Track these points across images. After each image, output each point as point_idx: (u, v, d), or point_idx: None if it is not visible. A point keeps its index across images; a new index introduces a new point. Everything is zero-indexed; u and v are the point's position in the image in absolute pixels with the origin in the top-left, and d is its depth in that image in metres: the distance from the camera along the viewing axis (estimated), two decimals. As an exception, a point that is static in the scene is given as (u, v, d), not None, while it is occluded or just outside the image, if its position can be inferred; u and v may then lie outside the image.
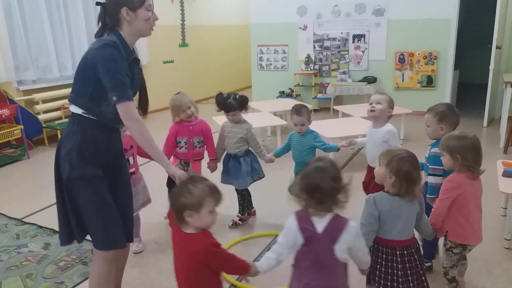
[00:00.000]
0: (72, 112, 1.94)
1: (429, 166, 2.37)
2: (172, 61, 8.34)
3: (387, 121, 2.80)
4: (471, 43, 9.44)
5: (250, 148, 3.22)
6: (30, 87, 5.65)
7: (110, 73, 1.82)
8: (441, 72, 6.90)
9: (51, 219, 3.50)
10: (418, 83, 7.07)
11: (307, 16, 7.59)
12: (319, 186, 1.58)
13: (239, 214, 3.36)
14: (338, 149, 3.12)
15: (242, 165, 3.17)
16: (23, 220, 3.53)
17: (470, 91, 8.54)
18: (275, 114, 5.71)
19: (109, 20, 1.93)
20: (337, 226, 1.61)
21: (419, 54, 6.94)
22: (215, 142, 3.29)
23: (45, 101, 5.82)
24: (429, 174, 2.36)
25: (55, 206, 3.76)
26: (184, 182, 1.72)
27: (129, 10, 1.89)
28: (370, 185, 2.65)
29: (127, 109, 1.86)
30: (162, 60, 8.10)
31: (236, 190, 3.31)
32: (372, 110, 2.77)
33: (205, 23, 9.03)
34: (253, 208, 3.45)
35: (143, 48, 7.37)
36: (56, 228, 3.30)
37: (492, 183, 2.87)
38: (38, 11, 5.59)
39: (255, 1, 7.93)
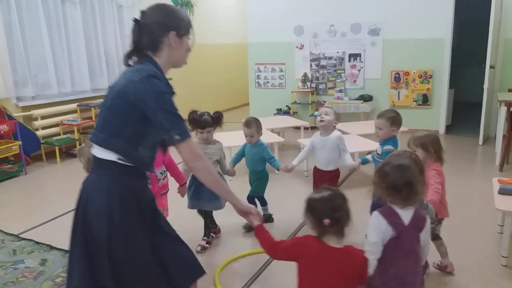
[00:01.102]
0: (101, 159, 1.64)
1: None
2: (170, 79, 8.37)
3: (333, 129, 3.27)
4: (465, 63, 9.58)
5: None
6: (29, 103, 5.68)
7: (164, 109, 1.57)
8: (436, 90, 6.99)
9: (48, 235, 3.50)
10: (414, 101, 7.15)
11: (303, 35, 7.71)
12: (409, 182, 1.68)
13: (206, 238, 3.21)
14: (278, 170, 3.38)
15: None
16: (20, 236, 3.51)
17: (465, 109, 8.63)
18: (272, 131, 5.75)
19: (146, 44, 1.68)
20: (421, 215, 1.76)
21: (414, 73, 7.04)
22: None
23: (43, 117, 5.85)
24: None
25: (51, 222, 3.76)
26: (334, 195, 1.66)
27: (176, 35, 1.68)
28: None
29: (191, 148, 1.63)
30: (160, 78, 8.16)
31: (203, 213, 3.21)
32: (321, 121, 3.19)
33: (204, 42, 9.13)
34: (217, 225, 3.38)
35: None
36: (53, 244, 3.33)
37: (488, 201, 2.90)
38: (38, 27, 5.65)
39: (253, 20, 8.05)
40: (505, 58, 6.51)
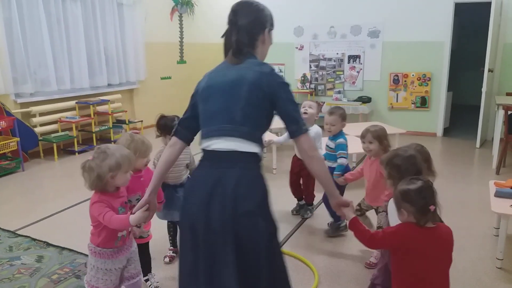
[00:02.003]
0: (245, 152, 1.58)
1: (339, 152, 3.17)
2: (169, 77, 8.41)
3: (313, 123, 3.40)
4: (464, 66, 9.61)
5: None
6: (28, 100, 5.67)
7: (292, 100, 1.63)
8: (435, 93, 7.01)
9: (44, 232, 3.50)
10: (412, 103, 7.16)
11: (303, 36, 7.72)
12: (418, 171, 1.90)
13: (173, 247, 3.08)
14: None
15: None
16: (16, 232, 3.51)
17: (463, 112, 8.66)
18: (271, 130, 5.75)
19: (246, 42, 1.72)
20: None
21: (413, 75, 7.06)
22: None
23: (42, 114, 5.84)
24: (341, 157, 3.15)
25: (48, 219, 3.76)
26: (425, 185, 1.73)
27: (268, 31, 1.76)
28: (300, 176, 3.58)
29: (310, 139, 1.67)
30: (160, 76, 8.17)
31: (171, 223, 3.05)
32: (305, 113, 3.30)
33: (203, 41, 9.14)
34: None
35: (141, 64, 7.45)
36: (50, 241, 3.32)
37: (484, 203, 2.91)
38: (38, 24, 5.65)
39: (253, 20, 8.05)
40: (504, 62, 6.53)
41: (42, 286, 2.70)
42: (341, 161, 3.14)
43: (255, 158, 1.63)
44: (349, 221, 1.80)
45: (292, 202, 3.84)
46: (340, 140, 3.21)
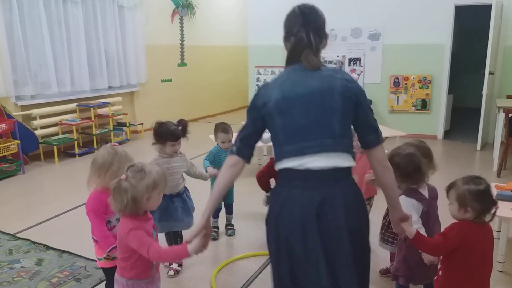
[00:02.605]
0: (345, 168, 1.55)
1: None
2: (170, 80, 8.42)
3: None
4: (464, 69, 9.61)
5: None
6: (28, 103, 5.68)
7: (371, 109, 1.59)
8: (436, 96, 7.00)
9: (44, 234, 3.50)
10: (413, 106, 7.16)
11: (304, 38, 7.71)
12: (418, 167, 2.11)
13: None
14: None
15: (188, 202, 2.88)
16: (16, 235, 3.50)
17: (464, 115, 8.65)
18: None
19: (318, 46, 1.63)
20: (432, 187, 2.27)
21: (413, 78, 7.05)
22: None
23: (42, 116, 5.84)
24: None
25: (48, 222, 3.74)
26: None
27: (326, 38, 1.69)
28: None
29: (383, 149, 1.63)
30: (160, 79, 8.18)
31: (172, 235, 2.90)
32: None
33: (204, 44, 9.15)
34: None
35: (142, 66, 7.46)
36: (50, 244, 3.32)
37: (485, 206, 2.89)
38: (39, 27, 5.66)
39: (253, 23, 8.07)
40: (504, 65, 6.53)
41: (41, 289, 2.69)
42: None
43: (350, 172, 1.59)
44: (412, 236, 1.81)
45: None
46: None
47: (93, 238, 2.13)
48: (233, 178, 1.67)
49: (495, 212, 1.85)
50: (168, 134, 2.70)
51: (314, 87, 1.52)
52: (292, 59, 1.60)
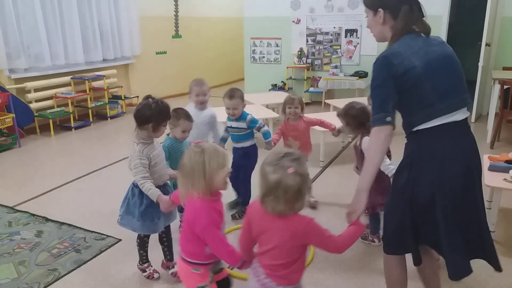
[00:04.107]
0: (467, 120, 1.76)
1: (258, 124, 3.22)
2: (165, 52, 8.32)
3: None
4: (461, 40, 9.52)
5: None
6: (22, 76, 5.62)
7: None
8: (432, 68, 6.97)
9: (42, 207, 3.54)
10: (409, 78, 7.14)
11: (300, 10, 7.61)
12: (369, 118, 2.43)
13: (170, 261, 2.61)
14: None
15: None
16: (15, 208, 3.54)
17: (460, 87, 8.63)
18: (267, 106, 5.75)
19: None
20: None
21: (410, 50, 7.00)
22: None
23: (37, 89, 5.80)
24: (263, 126, 3.25)
25: (46, 195, 3.76)
26: None
27: None
28: None
29: None
30: (155, 51, 8.08)
31: (163, 234, 2.53)
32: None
33: (199, 15, 9.01)
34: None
35: (136, 38, 7.36)
36: (49, 216, 3.36)
37: (477, 177, 2.93)
38: (30, 0, 5.54)
39: (249, -7, 7.93)
40: (502, 36, 6.49)
41: (42, 260, 2.75)
42: (265, 128, 3.27)
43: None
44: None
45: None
46: (249, 117, 3.22)
47: (192, 262, 1.78)
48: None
49: None
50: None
51: (443, 53, 1.73)
52: (404, 28, 1.75)
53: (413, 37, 1.74)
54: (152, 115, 2.23)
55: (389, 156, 2.66)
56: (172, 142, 2.79)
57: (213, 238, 1.67)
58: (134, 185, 2.34)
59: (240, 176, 3.28)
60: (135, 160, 2.25)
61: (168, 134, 2.83)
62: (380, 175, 2.05)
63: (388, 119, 1.69)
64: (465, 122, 1.74)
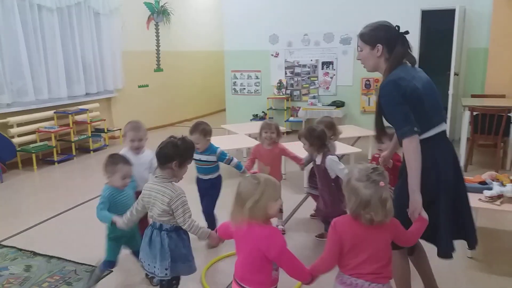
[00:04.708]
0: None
1: (227, 157, 3.35)
2: (147, 85, 8.45)
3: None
4: (431, 70, 9.92)
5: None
6: (5, 111, 5.62)
7: None
8: (405, 96, 7.27)
9: (29, 242, 3.51)
10: (384, 107, 7.42)
11: (278, 44, 7.91)
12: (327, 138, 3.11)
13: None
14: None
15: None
16: (1, 243, 3.50)
17: (432, 114, 8.97)
18: (250, 136, 5.89)
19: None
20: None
21: (384, 80, 7.31)
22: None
23: (19, 124, 5.79)
24: (233, 158, 3.37)
25: (32, 230, 3.72)
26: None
27: None
28: None
29: None
30: (137, 84, 8.20)
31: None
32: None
33: (180, 49, 9.22)
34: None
35: (118, 72, 7.47)
36: (37, 250, 3.33)
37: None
38: (14, 34, 5.62)
39: (229, 28, 8.20)
40: (468, 66, 6.89)
41: (34, 294, 2.73)
42: (235, 161, 3.39)
43: None
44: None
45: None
46: (219, 150, 3.35)
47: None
48: None
49: None
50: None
51: (427, 78, 2.13)
52: (400, 60, 2.14)
53: (407, 67, 2.14)
54: (179, 152, 2.17)
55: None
56: (112, 191, 2.60)
57: (289, 258, 1.76)
58: (167, 229, 2.21)
59: (203, 204, 3.42)
60: (182, 198, 2.17)
61: (106, 183, 2.65)
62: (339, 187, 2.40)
63: (416, 129, 2.00)
64: (445, 132, 2.16)
